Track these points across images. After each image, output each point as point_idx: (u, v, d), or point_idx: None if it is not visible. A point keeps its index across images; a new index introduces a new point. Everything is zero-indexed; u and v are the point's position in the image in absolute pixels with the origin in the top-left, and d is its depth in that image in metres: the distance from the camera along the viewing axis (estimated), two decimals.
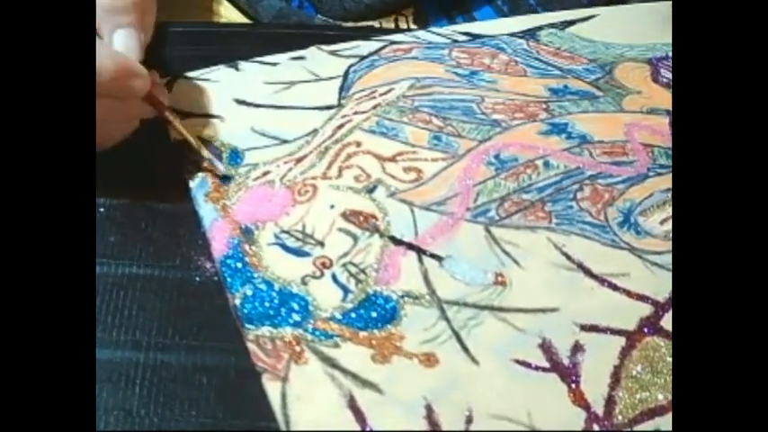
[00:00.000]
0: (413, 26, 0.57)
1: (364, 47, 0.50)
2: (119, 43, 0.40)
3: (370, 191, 0.42)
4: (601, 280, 0.39)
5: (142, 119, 0.42)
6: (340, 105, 0.47)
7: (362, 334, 0.36)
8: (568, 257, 0.40)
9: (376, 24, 0.57)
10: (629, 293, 0.39)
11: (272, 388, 0.35)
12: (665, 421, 0.35)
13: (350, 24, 0.57)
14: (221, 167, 0.42)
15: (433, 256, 0.39)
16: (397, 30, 0.56)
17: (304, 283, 0.38)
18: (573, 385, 0.36)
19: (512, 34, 0.52)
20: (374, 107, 0.46)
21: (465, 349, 0.36)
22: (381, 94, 0.47)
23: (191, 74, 0.48)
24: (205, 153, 0.42)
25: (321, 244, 0.40)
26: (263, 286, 0.38)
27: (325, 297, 0.38)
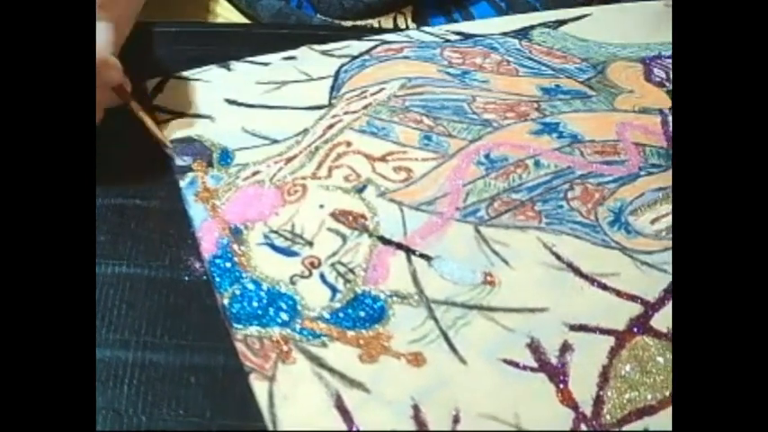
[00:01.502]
0: (411, 24, 0.57)
1: (356, 47, 0.50)
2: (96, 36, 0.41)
3: (360, 191, 0.42)
4: (590, 279, 0.39)
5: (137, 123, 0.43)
6: (331, 105, 0.47)
7: (350, 333, 0.36)
8: (558, 257, 0.40)
9: (375, 23, 0.57)
10: (618, 293, 0.39)
11: (259, 387, 0.35)
12: (654, 421, 0.35)
13: (349, 23, 0.57)
14: (181, 162, 0.43)
15: (421, 255, 0.39)
16: (395, 29, 0.56)
17: (292, 282, 0.38)
18: (561, 385, 0.35)
19: (504, 34, 0.52)
20: (365, 107, 0.46)
21: (453, 349, 0.36)
22: (372, 94, 0.47)
23: (183, 73, 0.48)
24: (165, 144, 0.43)
25: (310, 244, 0.40)
26: (251, 286, 0.38)
27: (314, 297, 0.38)
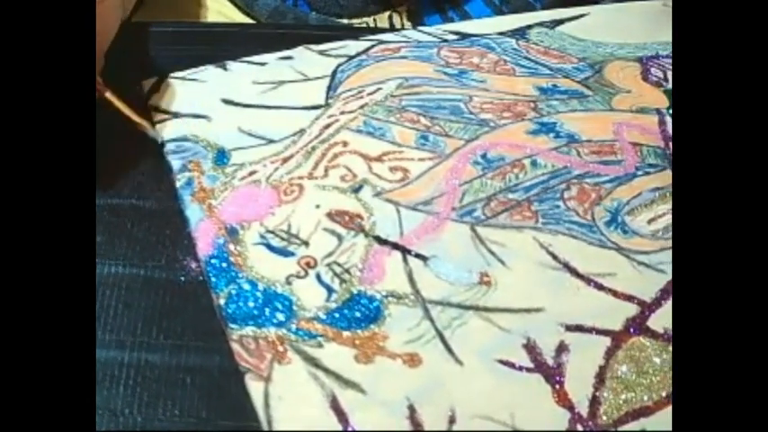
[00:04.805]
0: (406, 22, 0.57)
1: (352, 46, 0.50)
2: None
3: (356, 190, 0.42)
4: (587, 280, 0.39)
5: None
6: (327, 105, 0.47)
7: (346, 334, 0.36)
8: (554, 257, 0.40)
9: (370, 21, 0.57)
10: (615, 293, 0.39)
11: (254, 388, 0.35)
12: (651, 422, 0.35)
13: (345, 21, 0.57)
14: (156, 135, 0.43)
15: (418, 255, 0.39)
16: (391, 27, 0.56)
17: (288, 282, 0.38)
18: (557, 386, 0.35)
19: (501, 33, 0.52)
20: (361, 107, 0.46)
21: (449, 349, 0.36)
22: (369, 94, 0.47)
23: (178, 73, 0.48)
24: (137, 119, 0.43)
25: (306, 244, 0.40)
26: (247, 286, 0.38)
27: (310, 297, 0.38)
